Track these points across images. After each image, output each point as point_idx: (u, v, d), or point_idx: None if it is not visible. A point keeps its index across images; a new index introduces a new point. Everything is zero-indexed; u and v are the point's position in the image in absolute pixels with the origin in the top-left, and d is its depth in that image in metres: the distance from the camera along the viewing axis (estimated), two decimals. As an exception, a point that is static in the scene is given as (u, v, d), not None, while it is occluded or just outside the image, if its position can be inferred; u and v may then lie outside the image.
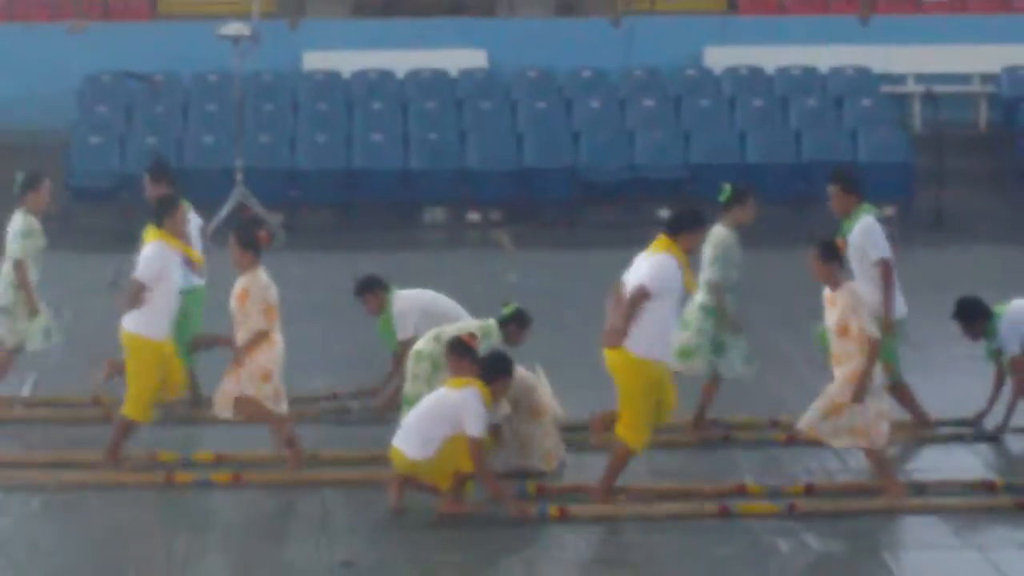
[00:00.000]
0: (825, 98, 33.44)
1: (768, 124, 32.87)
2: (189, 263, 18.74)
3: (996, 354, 18.23)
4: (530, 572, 15.07)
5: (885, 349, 17.23)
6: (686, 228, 16.48)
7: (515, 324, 17.87)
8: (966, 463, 17.75)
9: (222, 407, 17.41)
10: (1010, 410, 18.31)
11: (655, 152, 32.34)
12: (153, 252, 17.38)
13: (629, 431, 16.06)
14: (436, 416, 15.80)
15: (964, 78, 34.64)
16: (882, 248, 18.03)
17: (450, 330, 17.83)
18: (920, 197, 31.25)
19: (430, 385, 17.36)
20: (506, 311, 17.98)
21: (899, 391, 18.23)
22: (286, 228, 29.95)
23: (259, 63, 31.71)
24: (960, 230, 29.63)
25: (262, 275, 17.47)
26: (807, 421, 16.39)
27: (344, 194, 31.82)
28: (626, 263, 26.83)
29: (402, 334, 18.88)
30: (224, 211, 29.61)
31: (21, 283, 19.07)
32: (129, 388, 17.37)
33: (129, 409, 17.30)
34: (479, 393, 15.77)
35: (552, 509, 15.88)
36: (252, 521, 16.30)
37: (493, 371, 16.14)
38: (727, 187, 19.02)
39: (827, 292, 16.31)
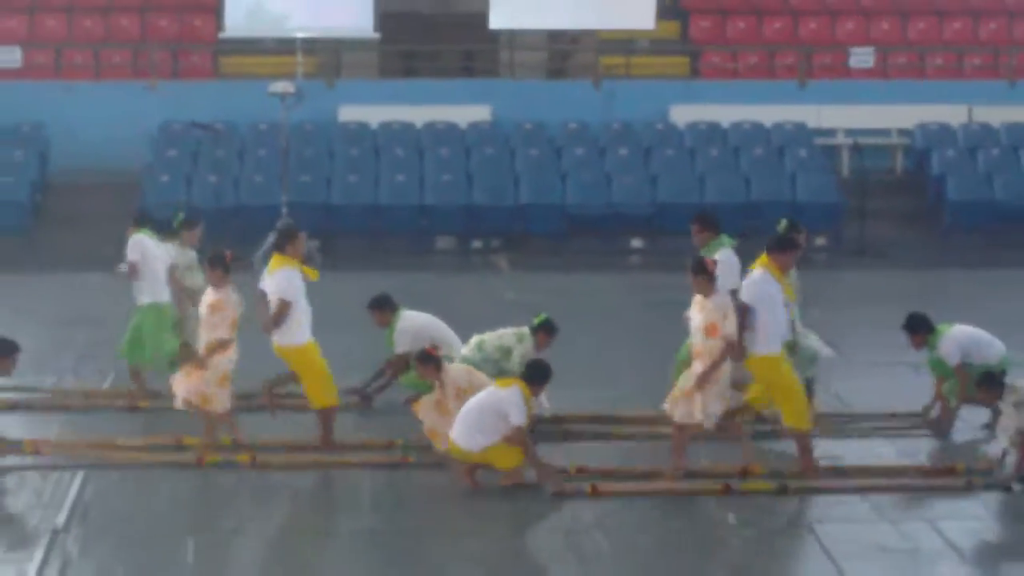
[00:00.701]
0: (769, 148, 33.43)
1: (723, 169, 32.87)
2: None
3: (936, 363, 18.26)
4: (518, 534, 15.11)
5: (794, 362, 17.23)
6: (781, 250, 16.43)
7: (544, 331, 18.04)
8: (885, 451, 17.79)
9: (181, 398, 17.43)
10: (952, 417, 18.31)
11: (629, 192, 32.33)
12: (284, 276, 17.19)
13: (794, 418, 16.10)
14: (486, 408, 15.89)
15: (884, 132, 34.65)
16: (731, 280, 17.24)
17: (490, 338, 18.25)
18: (847, 230, 31.28)
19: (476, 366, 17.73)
20: (537, 320, 18.18)
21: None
22: (322, 252, 29.93)
23: (302, 115, 31.77)
24: (880, 257, 29.64)
25: (231, 292, 17.28)
26: (668, 407, 16.49)
27: (371, 224, 31.81)
28: (605, 283, 26.91)
29: (399, 348, 18.74)
30: (270, 239, 29.64)
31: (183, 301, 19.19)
32: (309, 387, 17.24)
33: (319, 400, 17.23)
34: (521, 390, 15.89)
35: (588, 487, 15.92)
36: (286, 497, 16.35)
37: (533, 372, 16.24)
38: (784, 221, 18.51)
39: (697, 298, 16.18)
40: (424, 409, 17.09)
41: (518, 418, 15.67)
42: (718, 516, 15.56)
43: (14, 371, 17.57)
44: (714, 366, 15.94)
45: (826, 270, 27.23)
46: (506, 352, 18.02)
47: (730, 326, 15.90)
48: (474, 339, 18.42)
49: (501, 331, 18.39)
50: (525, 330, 18.14)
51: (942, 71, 36.18)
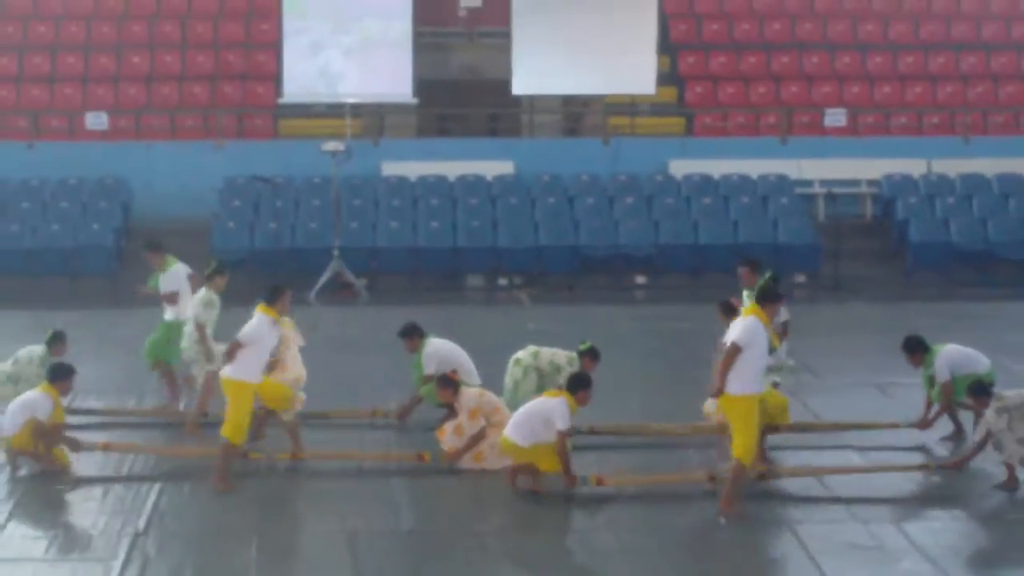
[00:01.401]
0: (755, 197, 33.33)
1: (714, 216, 32.78)
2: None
3: (930, 380, 18.22)
4: (538, 533, 15.09)
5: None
6: (771, 300, 15.79)
7: (589, 356, 17.90)
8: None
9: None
10: (934, 417, 18.32)
11: (633, 235, 32.26)
12: (257, 322, 16.67)
13: (744, 453, 15.30)
14: (535, 414, 15.98)
15: (855, 182, 34.56)
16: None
17: (545, 352, 18.31)
18: (824, 268, 31.18)
19: (519, 385, 18.02)
20: (583, 347, 18.04)
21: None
22: (368, 289, 29.94)
23: (350, 170, 31.72)
24: (853, 292, 29.54)
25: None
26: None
27: (410, 264, 31.77)
28: (613, 314, 26.83)
29: (426, 371, 18.64)
30: (324, 277, 29.72)
31: (201, 339, 19.11)
32: (231, 419, 16.46)
33: (229, 433, 16.46)
34: (566, 401, 15.96)
35: (592, 478, 16.13)
36: (331, 501, 16.35)
37: (577, 385, 16.20)
38: (769, 273, 18.01)
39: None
40: (446, 434, 17.18)
41: (562, 424, 15.77)
42: (707, 515, 15.53)
43: (71, 392, 17.75)
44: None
45: (806, 303, 27.13)
46: (556, 368, 18.03)
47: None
48: (531, 348, 18.49)
49: (556, 349, 18.40)
50: (574, 354, 18.10)
51: (905, 129, 36.12)
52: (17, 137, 34.45)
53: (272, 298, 16.94)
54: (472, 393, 17.42)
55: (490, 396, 17.35)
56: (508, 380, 18.29)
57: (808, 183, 34.39)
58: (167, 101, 35.82)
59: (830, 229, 32.82)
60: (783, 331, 18.01)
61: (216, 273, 19.27)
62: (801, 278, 31.66)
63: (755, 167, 34.14)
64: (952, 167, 34.59)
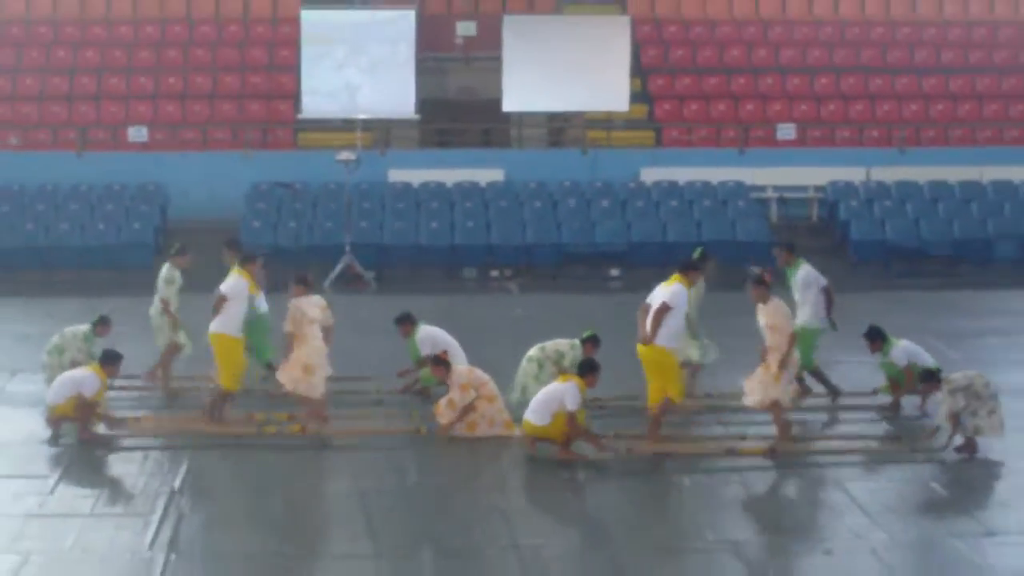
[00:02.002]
0: (716, 201, 33.30)
1: (680, 217, 32.75)
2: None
3: (888, 366, 18.33)
4: (529, 491, 15.02)
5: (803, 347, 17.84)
6: (692, 269, 16.84)
7: (590, 342, 17.78)
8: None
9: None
10: (895, 404, 18.37)
11: (609, 234, 32.22)
12: (233, 280, 17.30)
13: (677, 394, 16.34)
14: (550, 398, 15.98)
15: (803, 188, 34.53)
16: (819, 282, 18.58)
17: (549, 344, 18.13)
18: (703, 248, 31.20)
19: (535, 377, 17.74)
20: (585, 334, 17.91)
21: (816, 373, 18.68)
22: (376, 280, 29.90)
23: (360, 177, 31.70)
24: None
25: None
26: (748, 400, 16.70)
27: (413, 259, 31.74)
28: (591, 302, 26.80)
29: (423, 352, 18.70)
30: (337, 269, 29.70)
31: (167, 313, 19.06)
32: (222, 372, 17.08)
33: (227, 383, 17.11)
34: (577, 384, 15.99)
35: (621, 446, 16.23)
36: (343, 464, 16.32)
37: (587, 370, 16.25)
38: (699, 249, 19.09)
39: (759, 306, 16.42)
40: (440, 409, 17.17)
41: (572, 405, 15.81)
42: (678, 480, 15.47)
43: (117, 376, 17.71)
44: (788, 354, 16.18)
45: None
46: (561, 355, 17.85)
47: (790, 325, 16.33)
48: (537, 345, 18.24)
49: (560, 340, 18.23)
50: (576, 341, 17.98)
51: (847, 142, 36.10)
52: (68, 148, 34.40)
53: (246, 260, 17.70)
54: (462, 370, 17.47)
55: (478, 372, 17.36)
56: (524, 377, 18.02)
57: (762, 189, 34.37)
58: (199, 117, 35.75)
59: (781, 228, 32.94)
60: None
61: (178, 253, 19.53)
62: (756, 271, 31.52)
63: (716, 175, 34.12)
64: (888, 175, 34.57)
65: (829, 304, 18.64)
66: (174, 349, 19.25)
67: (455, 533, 13.68)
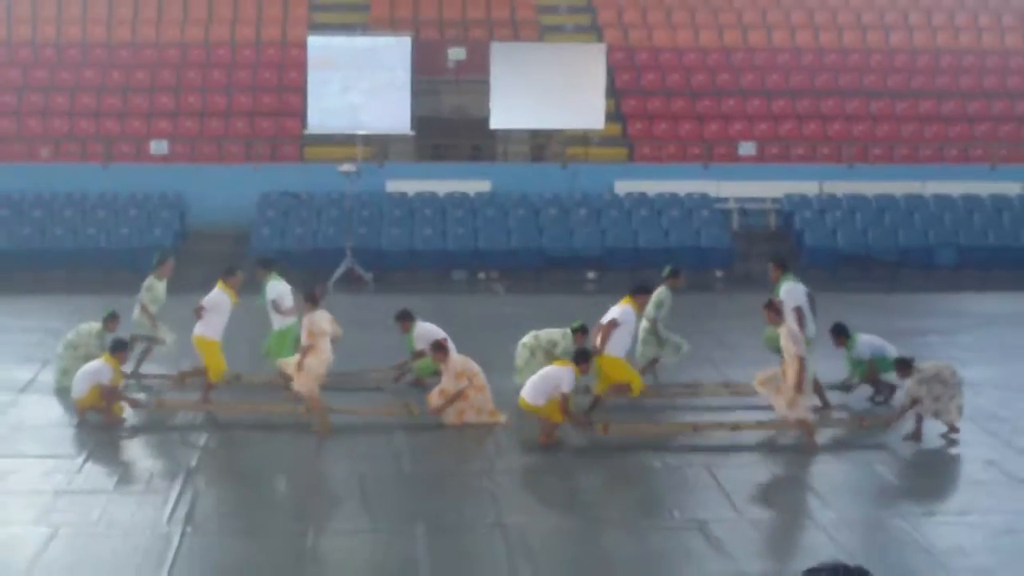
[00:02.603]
0: (683, 210, 33.33)
1: (650, 225, 32.78)
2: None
3: (854, 360, 18.45)
4: (517, 475, 15.01)
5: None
6: (640, 292, 17.68)
7: (580, 332, 17.89)
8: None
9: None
10: (879, 384, 18.43)
11: (585, 240, 32.28)
12: (216, 294, 17.87)
13: (636, 383, 17.29)
14: (546, 381, 16.06)
15: (762, 200, 34.63)
16: (798, 300, 17.94)
17: (542, 332, 18.32)
18: (737, 266, 31.24)
19: (526, 362, 18.02)
20: (575, 325, 18.05)
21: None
22: (375, 280, 29.87)
23: (361, 187, 31.68)
24: (760, 285, 29.31)
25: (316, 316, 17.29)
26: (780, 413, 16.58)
27: (408, 262, 31.73)
28: (570, 301, 26.79)
29: (418, 346, 18.75)
30: (339, 271, 29.73)
31: (147, 315, 19.24)
32: (210, 367, 17.67)
33: (214, 376, 17.73)
34: (571, 369, 16.11)
35: (600, 426, 16.33)
36: (344, 449, 16.29)
37: (581, 358, 16.33)
38: (668, 267, 19.32)
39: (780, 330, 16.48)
40: (433, 397, 17.20)
41: (567, 387, 15.99)
42: (648, 463, 15.47)
43: (127, 361, 17.94)
44: (797, 375, 16.01)
45: (723, 294, 27.05)
46: (553, 344, 18.03)
47: (796, 348, 16.12)
48: (531, 332, 18.51)
49: (552, 329, 18.40)
50: (567, 330, 18.08)
51: (802, 158, 36.15)
52: (95, 160, 34.37)
53: (228, 276, 18.17)
54: (458, 359, 17.44)
55: (471, 363, 17.35)
56: (519, 361, 18.30)
57: (724, 200, 34.42)
58: (215, 132, 35.71)
59: (742, 236, 33.07)
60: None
61: (160, 261, 19.72)
62: (719, 273, 31.73)
63: (683, 187, 34.18)
64: (839, 188, 34.65)
65: (800, 324, 18.41)
66: (150, 345, 19.58)
67: (446, 512, 13.65)
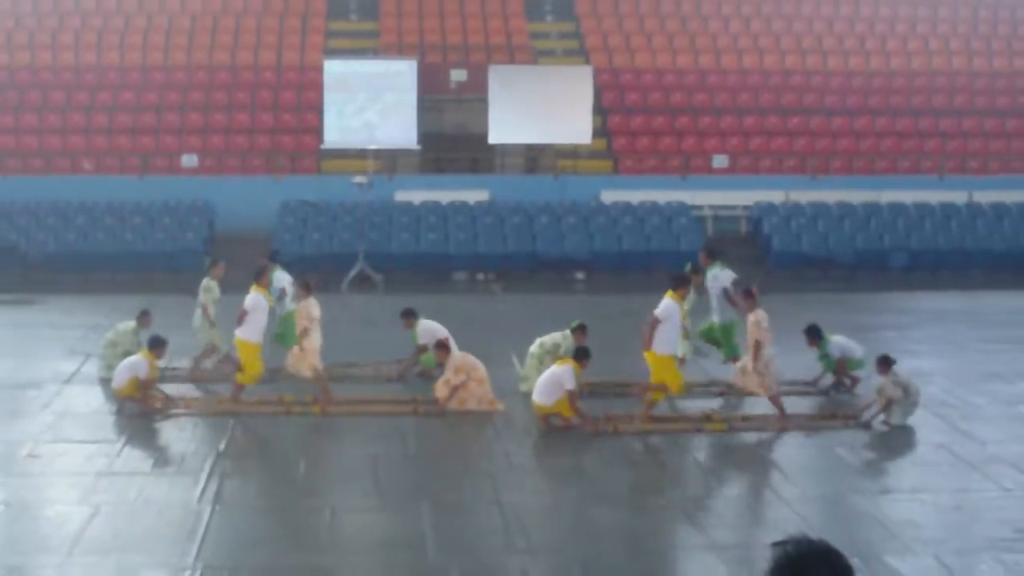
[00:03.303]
0: (662, 218, 33.29)
1: (633, 231, 32.76)
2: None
3: (823, 358, 18.46)
4: (513, 457, 15.02)
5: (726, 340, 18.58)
6: (682, 285, 16.70)
7: (580, 331, 17.78)
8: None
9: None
10: (852, 382, 18.42)
11: (575, 244, 32.25)
12: (252, 297, 17.28)
13: (677, 388, 16.51)
14: (552, 380, 16.01)
15: (734, 208, 34.62)
16: (727, 281, 18.65)
17: (546, 338, 17.99)
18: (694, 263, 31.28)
19: (537, 370, 17.43)
20: (574, 324, 17.92)
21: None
22: (385, 281, 29.82)
23: (372, 197, 31.61)
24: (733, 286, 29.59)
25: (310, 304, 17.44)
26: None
27: (415, 265, 31.70)
28: (561, 300, 26.75)
29: (421, 341, 18.82)
30: (352, 272, 29.67)
31: (207, 317, 19.10)
32: (247, 368, 17.10)
33: (245, 380, 17.17)
34: (572, 368, 16.05)
35: (610, 426, 16.04)
36: (352, 434, 16.29)
37: (580, 356, 16.31)
38: (689, 264, 19.26)
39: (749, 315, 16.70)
40: (437, 387, 17.24)
41: (570, 385, 15.89)
42: (631, 444, 15.49)
43: (165, 356, 17.84)
44: (756, 355, 16.40)
45: (697, 295, 27.09)
46: (556, 346, 17.72)
47: (758, 333, 16.42)
48: (537, 340, 18.07)
49: (554, 333, 18.08)
50: (567, 331, 17.91)
51: (770, 169, 36.12)
52: (132, 173, 34.31)
53: (259, 276, 17.65)
54: (458, 355, 17.52)
55: (471, 357, 17.38)
56: (529, 370, 17.88)
57: (700, 208, 34.35)
58: (240, 147, 35.68)
59: (716, 241, 32.86)
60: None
61: (212, 265, 19.76)
62: (696, 275, 31.59)
63: (663, 196, 34.13)
64: (803, 197, 34.62)
65: (731, 303, 18.56)
66: (211, 350, 19.25)
67: (448, 490, 13.68)
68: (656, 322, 16.10)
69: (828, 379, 18.59)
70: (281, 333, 19.56)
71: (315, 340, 17.36)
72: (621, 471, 14.74)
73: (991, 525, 12.51)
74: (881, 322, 24.61)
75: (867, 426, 16.27)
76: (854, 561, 3.85)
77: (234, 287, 19.29)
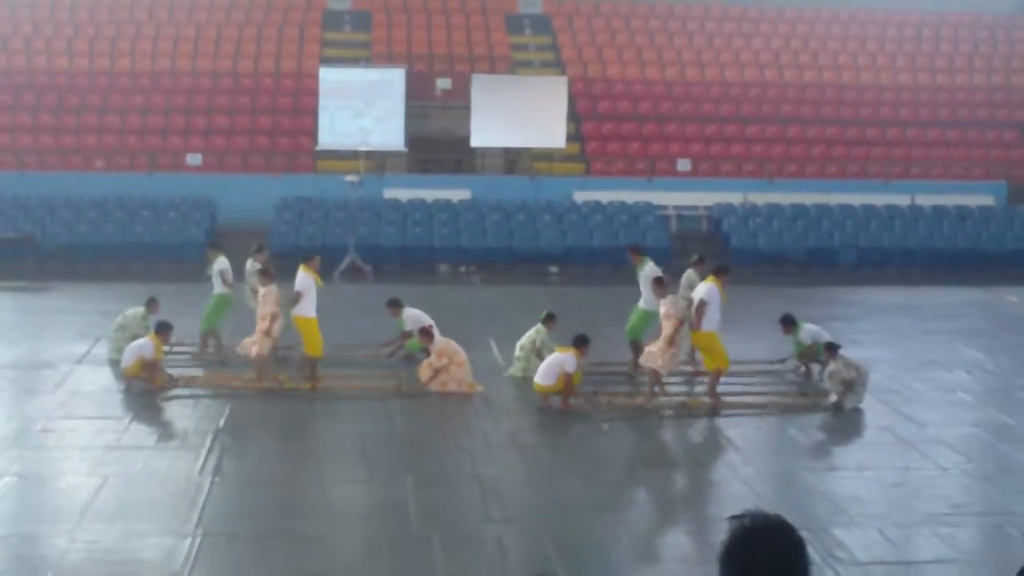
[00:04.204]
0: (630, 216, 33.29)
1: (603, 228, 32.76)
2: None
3: (798, 344, 18.58)
4: (491, 434, 14.99)
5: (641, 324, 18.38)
6: (723, 272, 16.72)
7: (549, 320, 17.84)
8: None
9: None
10: (808, 372, 18.48)
11: (550, 240, 32.24)
12: (302, 277, 17.19)
13: (720, 363, 16.23)
14: (553, 365, 16.04)
15: (695, 208, 34.63)
16: (655, 272, 18.24)
17: (524, 339, 17.92)
18: (674, 264, 31.13)
19: (523, 370, 17.51)
20: (544, 314, 17.94)
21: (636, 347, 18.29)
22: (374, 272, 29.77)
23: (363, 194, 31.58)
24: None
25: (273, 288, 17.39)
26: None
27: (402, 257, 31.67)
28: (536, 291, 26.72)
29: (407, 328, 18.77)
30: (344, 263, 29.62)
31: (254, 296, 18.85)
32: (307, 343, 17.04)
33: (312, 351, 17.06)
34: (572, 354, 16.06)
35: (604, 401, 16.19)
36: (340, 412, 16.22)
37: (580, 342, 16.26)
38: (696, 254, 19.53)
39: (661, 300, 16.71)
40: (421, 369, 17.22)
41: (571, 368, 15.91)
42: (598, 425, 15.46)
43: (171, 340, 18.03)
44: (675, 334, 16.36)
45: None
46: (532, 342, 17.71)
47: (676, 311, 16.38)
48: (518, 342, 18.04)
49: (528, 332, 18.01)
50: (539, 325, 17.89)
51: (729, 173, 36.12)
52: (141, 170, 34.13)
53: (308, 260, 17.65)
54: (441, 340, 17.46)
55: (453, 344, 17.34)
56: (516, 369, 17.85)
57: (665, 208, 34.32)
58: (241, 147, 35.53)
59: (678, 238, 32.98)
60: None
61: (258, 250, 19.89)
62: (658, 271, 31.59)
63: (630, 196, 34.06)
64: (760, 199, 34.64)
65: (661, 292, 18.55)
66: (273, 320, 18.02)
67: (431, 465, 13.65)
68: (703, 305, 16.05)
69: (792, 364, 18.69)
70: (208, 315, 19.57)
71: (278, 328, 17.30)
72: (586, 448, 14.72)
73: (930, 501, 12.55)
74: (831, 314, 24.61)
75: (839, 409, 16.31)
76: (804, 534, 3.84)
77: (237, 275, 19.36)
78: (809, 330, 18.61)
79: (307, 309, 17.15)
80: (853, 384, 16.38)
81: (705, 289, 16.31)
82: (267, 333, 17.19)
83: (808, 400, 16.96)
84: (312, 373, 17.21)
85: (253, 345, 17.40)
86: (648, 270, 18.50)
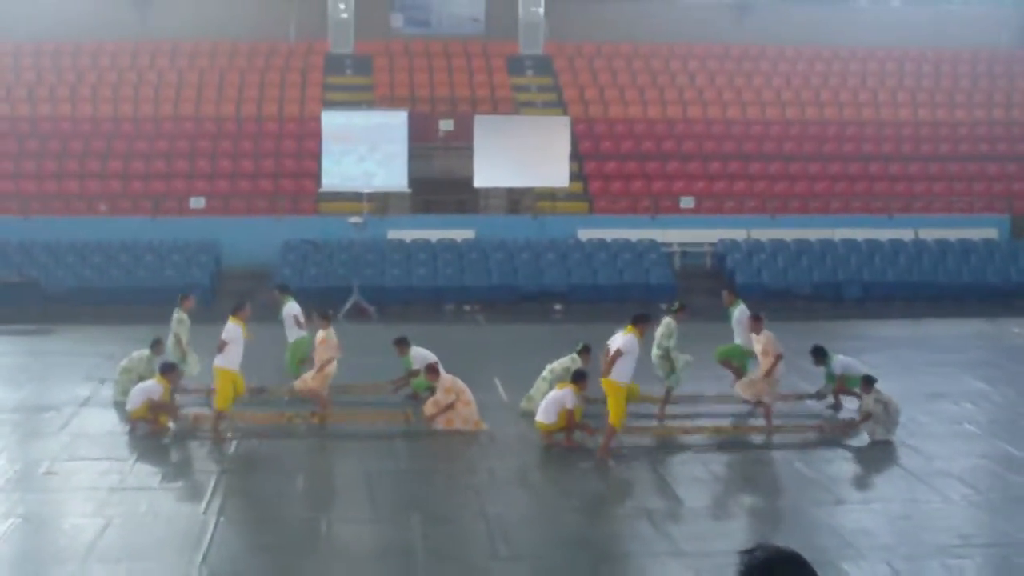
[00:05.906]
0: (634, 253, 33.34)
1: (608, 266, 32.80)
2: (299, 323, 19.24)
3: (829, 376, 18.80)
4: (494, 472, 14.94)
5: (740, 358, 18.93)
6: (642, 322, 15.78)
7: (585, 352, 17.76)
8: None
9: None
10: (838, 404, 18.65)
11: (554, 278, 32.28)
12: (230, 328, 16.61)
13: (617, 419, 15.39)
14: (554, 402, 16.10)
15: (700, 244, 34.72)
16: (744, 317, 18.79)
17: (557, 365, 17.90)
18: (678, 300, 31.23)
19: (543, 391, 17.34)
20: (579, 347, 17.89)
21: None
22: (379, 312, 29.78)
23: (366, 235, 31.70)
24: (698, 315, 29.45)
25: (332, 333, 17.43)
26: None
27: (406, 297, 31.68)
28: (540, 329, 26.66)
29: (414, 367, 18.74)
30: (348, 304, 29.63)
31: (179, 345, 18.93)
32: (219, 395, 16.46)
33: (220, 405, 16.43)
34: (572, 390, 16.14)
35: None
36: (349, 448, 16.22)
37: (578, 378, 16.35)
38: (677, 302, 19.13)
39: (754, 336, 17.41)
40: (427, 406, 17.23)
41: (570, 404, 15.99)
42: (603, 463, 15.41)
43: (178, 382, 17.95)
44: (770, 371, 16.99)
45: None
46: (566, 370, 17.51)
47: (773, 348, 17.06)
48: (547, 366, 18.05)
49: (562, 359, 17.97)
50: (574, 355, 17.84)
51: (733, 210, 36.20)
52: (144, 214, 34.24)
53: (237, 310, 16.98)
54: (447, 377, 17.47)
55: (459, 381, 17.35)
56: (537, 392, 17.74)
57: (669, 245, 34.43)
58: (244, 190, 35.67)
59: (683, 275, 33.00)
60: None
61: (184, 298, 19.63)
62: (663, 306, 31.22)
63: (634, 234, 34.17)
64: (764, 235, 34.73)
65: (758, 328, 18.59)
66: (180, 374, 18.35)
67: (437, 503, 13.62)
68: (619, 354, 15.40)
69: (827, 391, 18.97)
70: (290, 359, 19.64)
71: (333, 368, 17.42)
72: (591, 483, 14.69)
73: (937, 533, 12.51)
74: (837, 348, 24.29)
75: (849, 435, 16.63)
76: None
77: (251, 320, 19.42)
78: (841, 361, 18.84)
79: (231, 361, 16.53)
80: (875, 416, 16.44)
81: (623, 340, 15.46)
82: (322, 371, 17.27)
83: (819, 437, 16.92)
84: (215, 426, 16.50)
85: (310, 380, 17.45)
86: (740, 311, 18.97)
